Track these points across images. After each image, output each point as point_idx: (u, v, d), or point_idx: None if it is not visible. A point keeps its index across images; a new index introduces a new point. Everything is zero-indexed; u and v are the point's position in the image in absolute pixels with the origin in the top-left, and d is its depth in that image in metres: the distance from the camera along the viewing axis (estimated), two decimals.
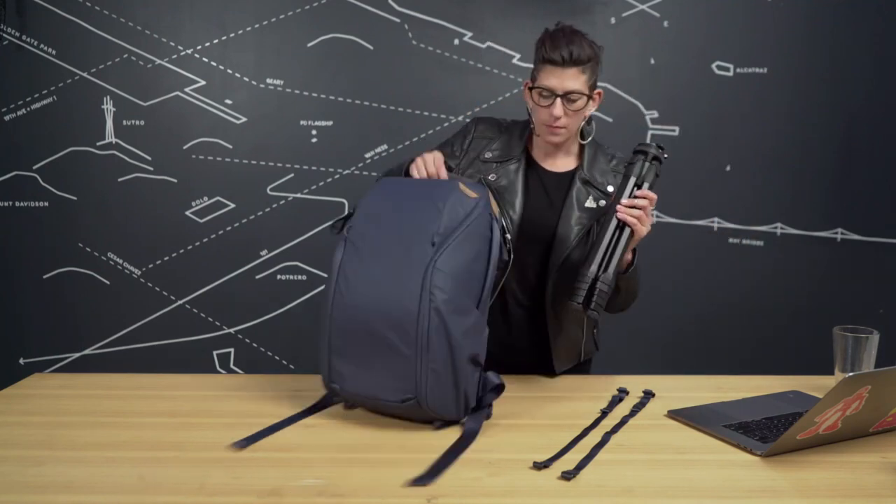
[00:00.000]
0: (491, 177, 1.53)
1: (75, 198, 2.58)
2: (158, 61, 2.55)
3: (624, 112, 2.59)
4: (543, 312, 1.55)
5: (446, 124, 2.55)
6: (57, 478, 1.05)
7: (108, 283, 2.61)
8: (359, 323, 1.24)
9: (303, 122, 2.58)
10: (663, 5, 2.57)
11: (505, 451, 1.16)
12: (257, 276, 2.63)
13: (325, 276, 2.61)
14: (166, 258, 2.61)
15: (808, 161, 2.63)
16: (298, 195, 2.61)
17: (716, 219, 2.66)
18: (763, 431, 1.21)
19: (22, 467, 1.08)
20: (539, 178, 1.56)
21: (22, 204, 2.58)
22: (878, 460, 1.13)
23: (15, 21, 2.51)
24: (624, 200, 1.39)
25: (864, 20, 2.58)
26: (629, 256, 1.47)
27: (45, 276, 2.61)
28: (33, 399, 1.39)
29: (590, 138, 1.56)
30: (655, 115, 2.61)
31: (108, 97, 2.55)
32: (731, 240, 2.67)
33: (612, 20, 2.56)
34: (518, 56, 2.57)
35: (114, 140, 2.57)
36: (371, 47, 2.55)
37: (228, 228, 2.61)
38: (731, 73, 2.60)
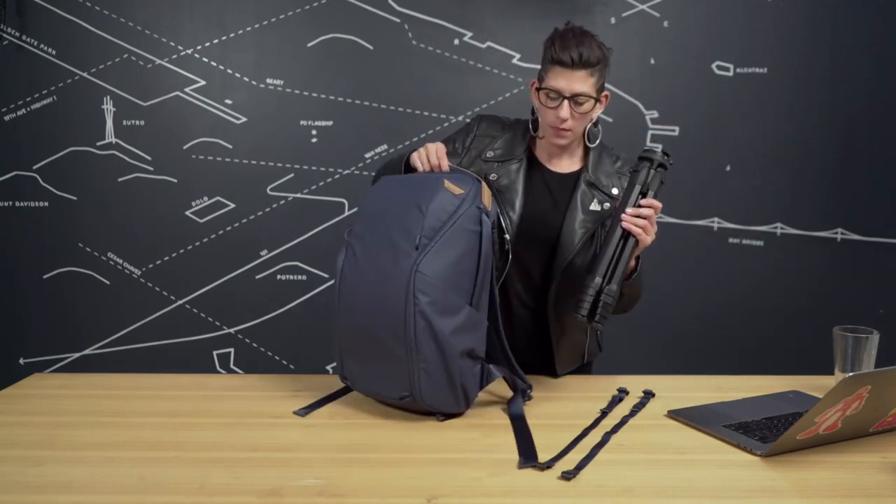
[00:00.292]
0: (492, 176, 1.52)
1: (75, 198, 2.58)
2: (158, 61, 2.55)
3: (624, 112, 2.59)
4: (547, 315, 1.54)
5: (446, 124, 2.55)
6: (57, 478, 1.05)
7: (108, 283, 2.61)
8: (359, 324, 1.30)
9: (303, 122, 2.58)
10: (663, 5, 2.57)
11: (505, 451, 1.16)
12: (257, 276, 2.63)
13: (326, 276, 2.63)
14: (166, 258, 2.61)
15: (808, 161, 2.63)
16: (298, 195, 2.61)
17: (716, 219, 2.66)
18: (763, 431, 1.21)
19: (22, 467, 1.08)
20: (543, 179, 1.55)
21: (22, 204, 2.58)
22: (878, 460, 1.13)
23: (15, 21, 2.51)
24: (629, 209, 1.37)
25: (864, 20, 2.58)
26: (632, 263, 1.46)
27: (45, 276, 2.61)
28: (33, 399, 1.39)
29: (597, 142, 1.55)
30: (655, 115, 2.61)
31: (108, 97, 2.55)
32: (731, 240, 2.67)
33: (612, 20, 2.56)
34: (518, 56, 2.57)
35: (114, 140, 2.57)
36: (371, 47, 2.55)
37: (228, 228, 2.61)
38: (731, 73, 2.60)
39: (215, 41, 2.55)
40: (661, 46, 2.58)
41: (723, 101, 2.61)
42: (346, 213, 2.61)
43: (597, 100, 1.46)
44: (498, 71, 2.57)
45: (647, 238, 1.39)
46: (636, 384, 1.46)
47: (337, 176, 2.60)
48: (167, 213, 2.59)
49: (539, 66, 1.50)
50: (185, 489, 1.01)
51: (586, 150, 1.56)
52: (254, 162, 2.59)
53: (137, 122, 2.56)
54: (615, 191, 1.53)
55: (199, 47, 2.54)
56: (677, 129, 2.62)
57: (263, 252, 2.62)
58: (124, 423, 1.26)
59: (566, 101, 1.43)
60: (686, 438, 1.22)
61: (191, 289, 2.62)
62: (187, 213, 2.60)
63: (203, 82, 2.56)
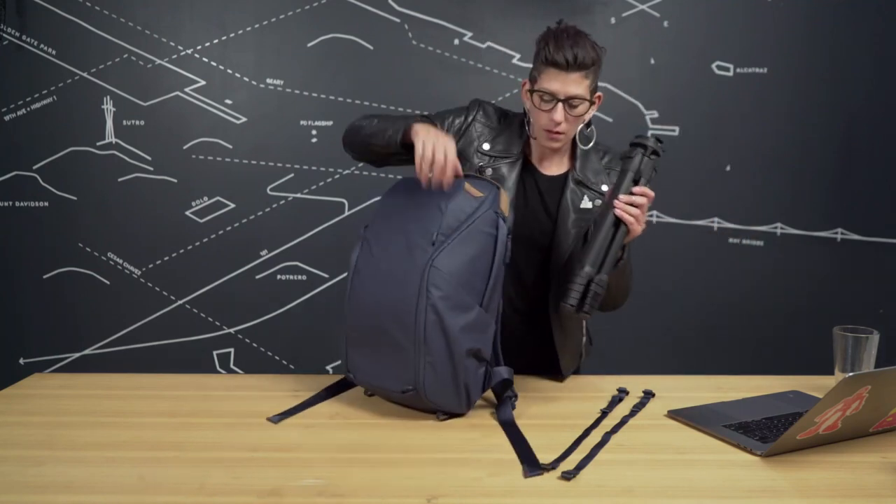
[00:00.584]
0: (488, 171, 1.50)
1: (75, 198, 2.58)
2: (158, 61, 2.55)
3: (624, 112, 2.59)
4: (541, 318, 1.52)
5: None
6: (57, 478, 1.05)
7: (108, 283, 2.61)
8: (369, 317, 1.31)
9: (303, 122, 2.58)
10: (663, 5, 2.57)
11: (505, 451, 1.16)
12: (257, 276, 2.63)
13: (326, 276, 2.63)
14: (166, 258, 2.61)
15: (808, 161, 2.63)
16: (298, 195, 2.61)
17: (716, 219, 2.66)
18: (763, 431, 1.21)
19: (22, 467, 1.08)
20: (535, 182, 1.53)
21: (22, 204, 2.58)
22: (878, 460, 1.13)
23: (15, 21, 2.51)
24: (622, 196, 1.33)
25: (864, 20, 2.58)
26: (620, 252, 1.41)
27: (45, 276, 2.61)
28: (33, 399, 1.39)
29: (591, 144, 1.52)
30: (655, 115, 2.61)
31: (108, 97, 2.55)
32: (731, 240, 2.67)
33: (612, 20, 2.56)
34: (518, 56, 2.57)
35: (114, 140, 2.57)
36: (371, 47, 2.55)
37: (228, 228, 2.61)
38: (731, 73, 2.60)
39: (215, 41, 2.55)
40: (661, 46, 2.58)
41: (723, 101, 2.61)
42: (346, 213, 2.61)
43: (591, 102, 1.44)
44: (498, 71, 2.57)
45: (639, 227, 1.34)
46: (636, 384, 1.46)
47: (337, 176, 2.60)
48: (167, 213, 2.59)
49: (531, 66, 1.47)
50: (185, 489, 1.01)
51: (574, 151, 1.54)
52: (254, 162, 2.59)
53: (137, 122, 2.56)
54: (605, 188, 1.51)
55: (199, 47, 2.54)
56: (677, 129, 2.62)
57: (263, 252, 2.62)
58: (124, 423, 1.26)
59: (560, 104, 1.40)
60: (686, 438, 1.22)
61: (191, 289, 2.62)
62: (187, 213, 2.60)
63: (203, 82, 2.56)
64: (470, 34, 2.56)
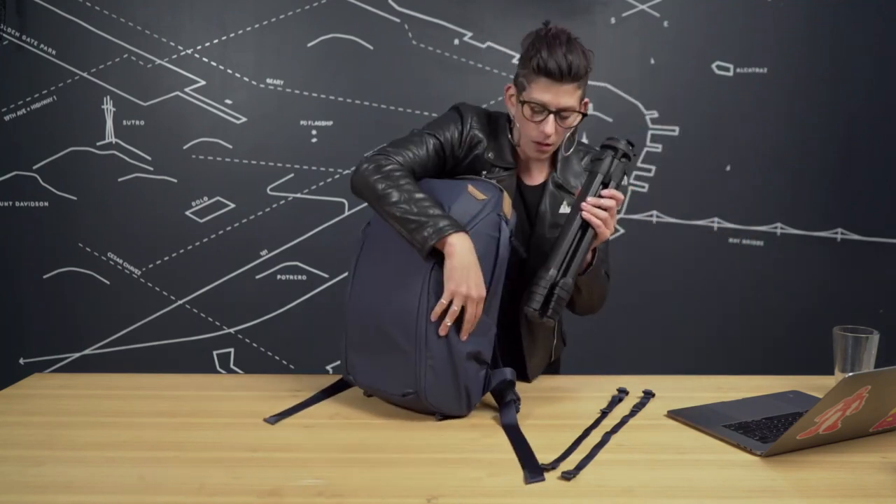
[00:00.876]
0: (484, 174, 1.44)
1: (75, 198, 2.58)
2: (158, 61, 2.55)
3: (624, 112, 2.59)
4: (511, 323, 1.46)
5: None
6: (57, 478, 1.05)
7: (108, 283, 2.61)
8: (369, 319, 1.30)
9: (303, 122, 2.58)
10: (663, 5, 2.57)
11: (505, 451, 1.16)
12: (257, 276, 2.63)
13: (326, 276, 2.63)
14: (166, 258, 2.61)
15: (808, 161, 2.63)
16: (298, 195, 2.61)
17: (716, 219, 2.66)
18: (763, 431, 1.21)
19: (22, 467, 1.08)
20: (519, 190, 1.47)
21: (22, 204, 2.58)
22: (878, 460, 1.13)
23: (15, 21, 2.51)
24: (589, 199, 1.30)
25: (864, 20, 2.58)
26: (588, 257, 1.39)
27: (45, 276, 2.61)
28: (33, 399, 1.39)
29: (572, 149, 1.47)
30: (655, 115, 2.61)
31: (108, 97, 2.55)
32: (731, 240, 2.67)
33: (612, 20, 2.56)
34: (518, 56, 2.57)
35: (114, 140, 2.57)
36: (371, 47, 2.55)
37: (228, 228, 2.61)
38: (731, 73, 2.60)
39: (215, 41, 2.55)
40: (661, 46, 2.58)
41: (723, 101, 2.61)
42: (346, 213, 2.61)
43: (582, 114, 1.39)
44: (498, 71, 2.57)
45: (607, 231, 1.31)
46: (636, 384, 1.46)
47: (337, 176, 2.60)
48: (167, 213, 2.59)
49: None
50: (185, 489, 1.01)
51: (555, 155, 1.48)
52: (254, 162, 2.59)
53: (137, 122, 2.56)
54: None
55: (199, 47, 2.54)
56: (677, 129, 2.62)
57: (263, 252, 2.62)
58: (124, 423, 1.26)
59: (552, 116, 1.34)
60: (686, 438, 1.22)
61: (191, 289, 2.62)
62: (187, 213, 2.60)
63: (203, 82, 2.56)
64: (470, 34, 2.56)
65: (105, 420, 1.28)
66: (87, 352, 2.64)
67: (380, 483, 1.04)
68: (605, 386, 1.47)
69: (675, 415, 1.31)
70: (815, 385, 1.49)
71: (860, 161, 2.64)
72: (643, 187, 2.64)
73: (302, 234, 2.62)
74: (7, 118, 2.55)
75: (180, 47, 2.54)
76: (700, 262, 2.67)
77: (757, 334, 2.69)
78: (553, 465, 1.09)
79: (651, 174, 2.63)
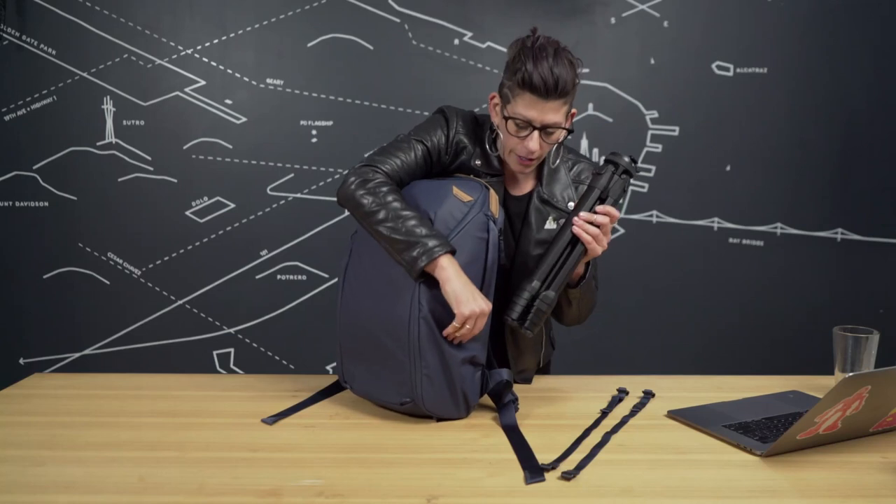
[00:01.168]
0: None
1: (75, 198, 2.58)
2: (158, 61, 2.55)
3: (624, 112, 2.59)
4: (497, 331, 1.41)
5: None
6: (57, 478, 1.05)
7: (108, 283, 2.61)
8: (363, 328, 1.30)
9: (303, 122, 2.58)
10: (663, 5, 2.57)
11: (505, 451, 1.16)
12: (257, 276, 2.63)
13: (326, 276, 2.63)
14: (166, 258, 2.61)
15: (808, 161, 2.64)
16: (298, 195, 2.61)
17: (716, 219, 2.66)
18: (763, 431, 1.21)
19: (22, 467, 1.08)
20: (504, 201, 1.42)
21: (22, 204, 2.58)
22: (878, 460, 1.13)
23: (15, 21, 2.51)
24: (582, 214, 1.27)
25: (864, 20, 2.58)
26: (580, 270, 1.36)
27: (45, 276, 2.61)
28: (33, 399, 1.39)
29: (557, 162, 1.42)
30: (655, 115, 2.61)
31: (108, 97, 2.55)
32: (731, 240, 2.67)
33: (612, 20, 2.56)
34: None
35: (114, 140, 2.57)
36: (371, 47, 2.55)
37: (228, 228, 2.61)
38: (731, 73, 2.60)
39: (215, 41, 2.55)
40: (661, 46, 2.58)
41: (723, 101, 2.61)
42: (346, 213, 2.61)
43: (568, 130, 1.34)
44: (498, 71, 2.57)
45: (597, 248, 1.28)
46: (636, 384, 1.46)
47: (337, 176, 2.60)
48: (167, 213, 2.59)
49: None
50: (185, 489, 1.01)
51: (541, 166, 1.42)
52: (254, 162, 2.59)
53: (137, 122, 2.56)
54: (571, 205, 1.39)
55: (199, 47, 2.54)
56: (677, 129, 2.62)
57: (263, 252, 2.62)
58: (124, 423, 1.26)
59: (536, 132, 1.29)
60: (686, 438, 1.22)
61: (191, 289, 2.62)
62: (187, 213, 2.60)
63: (203, 82, 2.56)
64: (470, 34, 2.56)
65: (105, 420, 1.28)
66: (87, 352, 2.64)
67: (380, 483, 1.04)
68: (605, 386, 1.47)
69: (675, 415, 1.31)
70: (815, 385, 1.49)
71: (860, 161, 2.64)
72: (643, 187, 2.64)
73: (302, 234, 2.62)
74: (7, 118, 2.55)
75: (180, 47, 2.54)
76: (700, 262, 2.67)
77: (757, 334, 2.69)
78: (553, 465, 1.09)
79: (651, 174, 2.63)
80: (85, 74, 2.54)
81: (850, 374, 1.14)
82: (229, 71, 2.56)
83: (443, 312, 1.22)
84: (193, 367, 2.60)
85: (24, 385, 1.48)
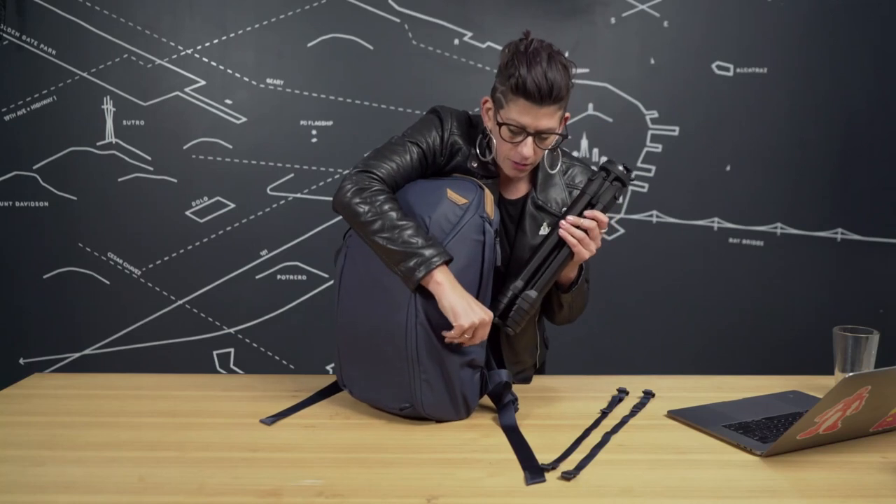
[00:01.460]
0: None
1: (75, 198, 2.58)
2: (158, 61, 2.55)
3: (624, 112, 2.59)
4: (496, 335, 1.41)
5: None
6: (57, 478, 1.05)
7: (108, 283, 2.61)
8: (360, 335, 1.29)
9: (303, 122, 2.58)
10: (663, 5, 2.57)
11: (505, 451, 1.16)
12: (257, 276, 2.63)
13: (326, 276, 2.63)
14: (166, 258, 2.61)
15: (808, 161, 2.64)
16: (298, 195, 2.61)
17: (716, 219, 2.66)
18: (763, 431, 1.21)
19: (22, 467, 1.08)
20: (498, 204, 1.39)
21: (22, 204, 2.58)
22: (878, 460, 1.13)
23: (15, 21, 2.51)
24: (569, 218, 1.28)
25: (864, 20, 2.58)
26: (572, 275, 1.37)
27: (45, 276, 2.61)
28: (33, 399, 1.39)
29: (558, 167, 1.41)
30: (655, 115, 2.61)
31: (108, 97, 2.55)
32: (731, 240, 2.67)
33: (612, 20, 2.56)
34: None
35: (114, 140, 2.57)
36: (371, 47, 2.55)
37: (228, 228, 2.61)
38: (731, 73, 2.60)
39: (215, 41, 2.55)
40: (661, 46, 2.58)
41: (723, 101, 2.61)
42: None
43: (562, 136, 1.33)
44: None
45: (584, 252, 1.27)
46: (636, 384, 1.46)
47: (337, 176, 2.60)
48: (167, 213, 2.59)
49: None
50: (185, 489, 1.01)
51: (535, 170, 1.41)
52: (254, 162, 2.59)
53: (137, 122, 2.56)
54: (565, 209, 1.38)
55: (199, 47, 2.54)
56: (677, 129, 2.62)
57: (263, 252, 2.62)
58: (124, 423, 1.26)
59: (530, 139, 1.28)
60: (686, 438, 1.22)
61: (191, 289, 2.62)
62: (187, 213, 2.60)
63: (203, 82, 2.56)
64: (470, 34, 2.56)
65: (105, 420, 1.28)
66: (87, 352, 2.64)
67: (380, 483, 1.04)
68: (605, 386, 1.47)
69: (675, 415, 1.31)
70: (815, 385, 1.49)
71: (860, 161, 2.64)
72: (643, 187, 2.64)
73: (302, 234, 2.62)
74: (7, 118, 2.55)
75: (180, 47, 2.54)
76: (700, 262, 2.67)
77: (757, 334, 2.69)
78: (553, 466, 1.09)
79: (651, 174, 2.63)
80: (85, 74, 2.54)
81: (850, 374, 1.14)
82: (229, 71, 2.56)
83: (440, 318, 1.21)
84: (193, 367, 2.60)
85: (24, 385, 1.48)
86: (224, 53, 2.55)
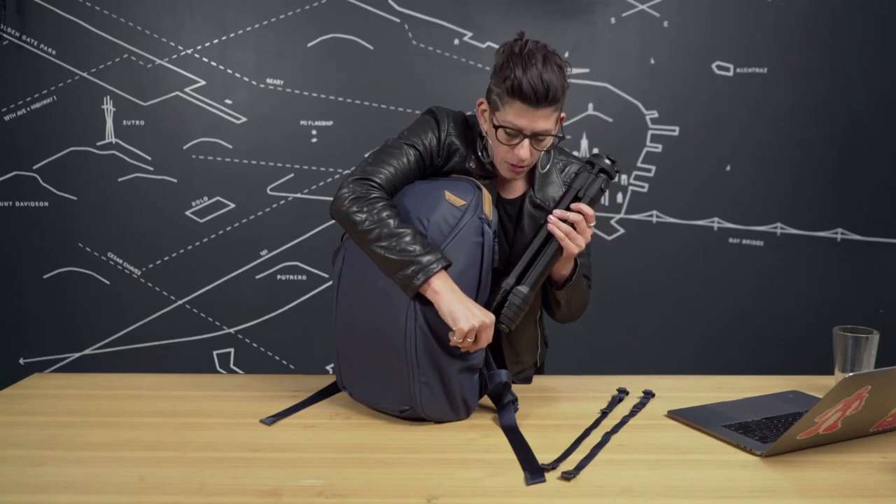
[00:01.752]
0: None
1: (75, 198, 2.58)
2: (158, 61, 2.55)
3: (624, 112, 2.59)
4: (496, 335, 1.37)
5: None
6: (57, 478, 1.05)
7: (108, 283, 2.61)
8: (359, 339, 1.29)
9: (303, 122, 2.58)
10: (663, 5, 2.57)
11: (505, 451, 1.16)
12: (257, 276, 2.63)
13: (325, 276, 2.63)
14: (166, 258, 2.61)
15: (808, 161, 2.64)
16: (298, 195, 2.61)
17: (716, 219, 2.66)
18: (763, 431, 1.22)
19: (22, 467, 1.08)
20: (496, 204, 1.39)
21: (22, 204, 2.58)
22: (878, 460, 1.13)
23: (15, 21, 2.51)
24: (556, 211, 1.28)
25: (864, 20, 2.58)
26: (564, 272, 1.37)
27: (45, 276, 2.61)
28: (33, 399, 1.39)
29: (548, 167, 1.41)
30: (655, 115, 2.61)
31: (108, 97, 2.55)
32: (731, 240, 2.67)
33: (612, 20, 2.56)
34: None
35: (114, 140, 2.57)
36: (371, 47, 2.55)
37: (228, 228, 2.61)
38: (731, 73, 2.60)
39: (215, 41, 2.55)
40: (661, 46, 2.58)
41: (723, 101, 2.61)
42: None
43: (559, 137, 1.33)
44: None
45: (571, 245, 1.27)
46: (636, 384, 1.46)
47: (337, 176, 2.60)
48: (167, 213, 2.59)
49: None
50: (185, 489, 1.01)
51: (532, 169, 1.41)
52: (254, 162, 2.59)
53: (137, 122, 2.56)
54: None
55: (199, 47, 2.54)
56: (677, 129, 2.62)
57: (263, 252, 2.62)
58: (124, 423, 1.26)
59: (527, 140, 1.28)
60: (686, 438, 1.22)
61: (191, 289, 2.62)
62: (187, 213, 2.60)
63: (203, 82, 2.56)
64: (470, 34, 2.56)
65: (105, 420, 1.28)
66: (87, 352, 2.64)
67: (380, 483, 1.04)
68: (605, 386, 1.47)
69: (675, 415, 1.31)
70: (815, 385, 1.49)
71: (860, 161, 2.64)
72: (643, 187, 2.64)
73: (302, 234, 2.62)
74: (7, 118, 2.55)
75: (180, 47, 2.54)
76: (700, 262, 2.67)
77: (757, 334, 2.69)
78: (553, 466, 1.09)
79: (651, 174, 2.63)
80: (85, 74, 2.54)
81: (850, 374, 1.14)
82: (229, 71, 2.56)
83: (439, 321, 1.21)
84: (193, 367, 2.60)
85: (24, 385, 1.48)
86: (224, 53, 2.55)
